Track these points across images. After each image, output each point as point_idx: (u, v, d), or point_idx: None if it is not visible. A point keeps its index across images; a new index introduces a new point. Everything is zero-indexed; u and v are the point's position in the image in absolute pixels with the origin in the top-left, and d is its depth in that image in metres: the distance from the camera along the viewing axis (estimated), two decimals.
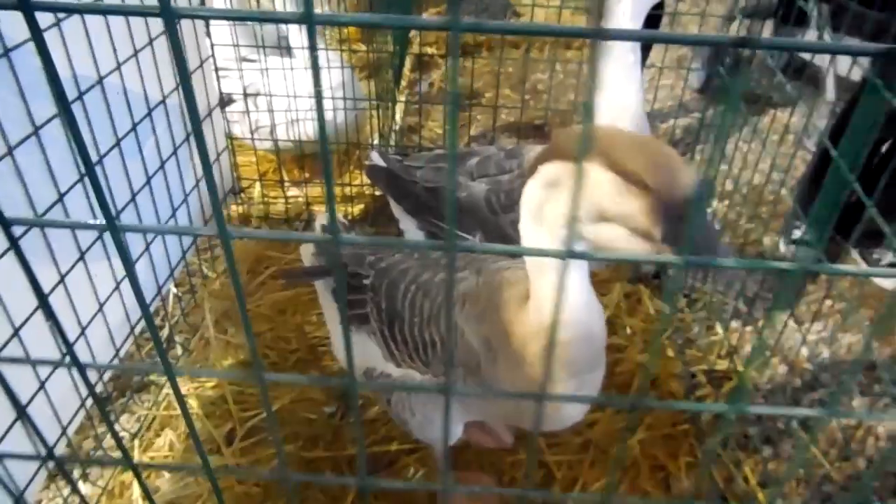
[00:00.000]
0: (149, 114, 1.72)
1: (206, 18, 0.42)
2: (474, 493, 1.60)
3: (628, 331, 2.06)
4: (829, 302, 2.26)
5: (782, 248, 2.32)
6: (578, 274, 1.11)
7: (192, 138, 1.97)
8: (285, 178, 2.64)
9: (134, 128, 1.65)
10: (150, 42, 1.67)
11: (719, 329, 2.07)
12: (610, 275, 2.27)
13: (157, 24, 1.69)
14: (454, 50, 0.36)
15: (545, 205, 1.01)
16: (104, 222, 0.46)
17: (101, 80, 1.49)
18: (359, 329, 1.44)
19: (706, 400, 1.84)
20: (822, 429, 1.83)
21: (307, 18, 0.36)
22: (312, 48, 0.37)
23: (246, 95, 2.36)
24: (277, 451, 0.60)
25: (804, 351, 2.03)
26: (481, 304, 1.28)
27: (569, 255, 0.42)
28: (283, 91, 2.29)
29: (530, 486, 1.60)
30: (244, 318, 0.51)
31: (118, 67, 1.56)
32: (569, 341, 1.11)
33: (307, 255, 1.54)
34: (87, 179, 1.45)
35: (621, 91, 1.54)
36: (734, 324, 2.10)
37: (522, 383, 1.25)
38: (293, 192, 2.63)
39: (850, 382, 1.83)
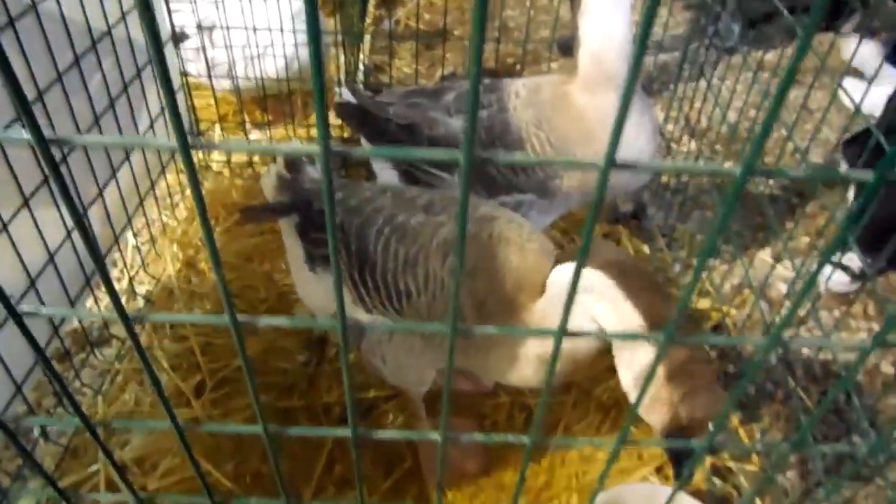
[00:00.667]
0: (94, 46, 1.57)
1: None
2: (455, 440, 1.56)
3: None
4: (805, 238, 2.24)
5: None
6: None
7: (143, 75, 1.83)
8: (247, 120, 2.50)
9: (77, 61, 1.51)
10: None
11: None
12: (587, 214, 2.22)
13: None
14: None
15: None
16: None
17: (35, 6, 1.34)
18: (325, 270, 1.36)
19: None
20: (801, 364, 1.84)
21: None
22: None
23: (201, 29, 2.20)
24: (254, 401, 0.53)
25: (782, 287, 2.02)
26: (471, 259, 1.21)
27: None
28: (241, 24, 2.14)
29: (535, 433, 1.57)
30: (211, 249, 0.43)
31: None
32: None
33: (269, 190, 1.43)
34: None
35: (607, 17, 1.44)
36: (713, 262, 2.07)
37: (516, 363, 1.20)
38: (256, 135, 2.50)
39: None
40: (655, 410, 1.01)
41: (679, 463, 1.03)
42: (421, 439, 0.91)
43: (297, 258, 1.41)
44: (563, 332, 0.43)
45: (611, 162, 0.35)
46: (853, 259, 1.97)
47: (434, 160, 0.36)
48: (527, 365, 1.20)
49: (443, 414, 0.50)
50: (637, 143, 1.52)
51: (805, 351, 1.83)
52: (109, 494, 0.72)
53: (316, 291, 1.43)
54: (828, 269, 2.00)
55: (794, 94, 2.70)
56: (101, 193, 1.67)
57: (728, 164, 2.10)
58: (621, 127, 0.33)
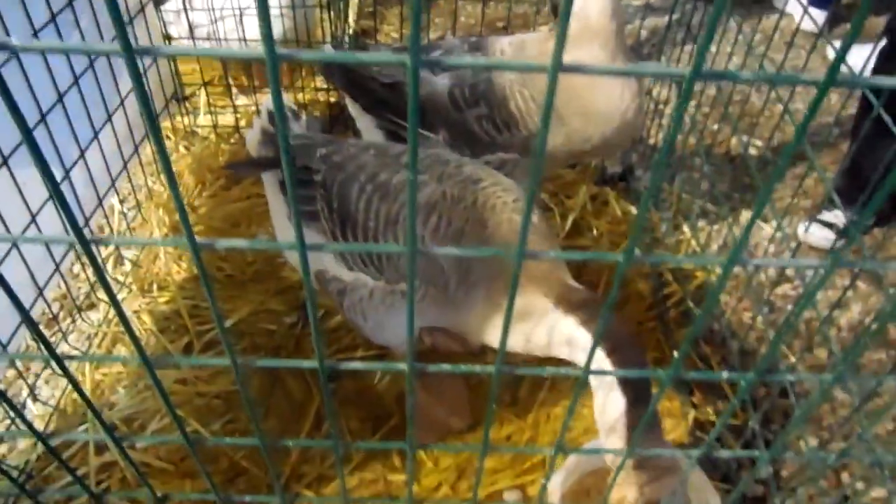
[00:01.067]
0: (54, 18, 1.53)
1: None
2: (443, 393, 1.58)
3: (595, 232, 2.02)
4: (794, 199, 2.24)
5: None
6: None
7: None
8: (232, 84, 2.47)
9: (53, 18, 1.48)
10: None
11: (686, 228, 2.04)
12: (576, 176, 2.21)
13: None
14: None
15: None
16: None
17: None
18: (307, 226, 1.35)
19: (672, 297, 1.83)
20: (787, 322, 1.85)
21: None
22: None
23: None
24: (228, 353, 0.53)
25: (770, 247, 2.03)
26: (458, 222, 1.21)
27: None
28: None
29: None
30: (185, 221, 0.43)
31: None
32: None
33: (253, 144, 1.42)
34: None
35: None
36: (701, 223, 2.08)
37: (496, 325, 1.20)
38: (242, 100, 2.47)
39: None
40: (624, 489, 1.05)
41: None
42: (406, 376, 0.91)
43: (280, 213, 1.40)
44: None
45: (557, 65, 0.35)
46: (838, 216, 1.98)
47: (381, 62, 0.35)
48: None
49: (408, 349, 0.50)
50: (623, 100, 1.51)
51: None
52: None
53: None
54: (815, 227, 2.01)
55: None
56: (82, 155, 1.65)
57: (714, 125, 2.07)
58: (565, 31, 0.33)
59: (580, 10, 1.48)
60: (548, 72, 0.35)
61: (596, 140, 1.54)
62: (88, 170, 1.70)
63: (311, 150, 1.34)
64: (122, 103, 1.84)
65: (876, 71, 1.92)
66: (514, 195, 1.26)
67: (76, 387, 0.59)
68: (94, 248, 0.48)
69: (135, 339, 0.58)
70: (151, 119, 0.39)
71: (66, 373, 0.59)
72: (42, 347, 0.55)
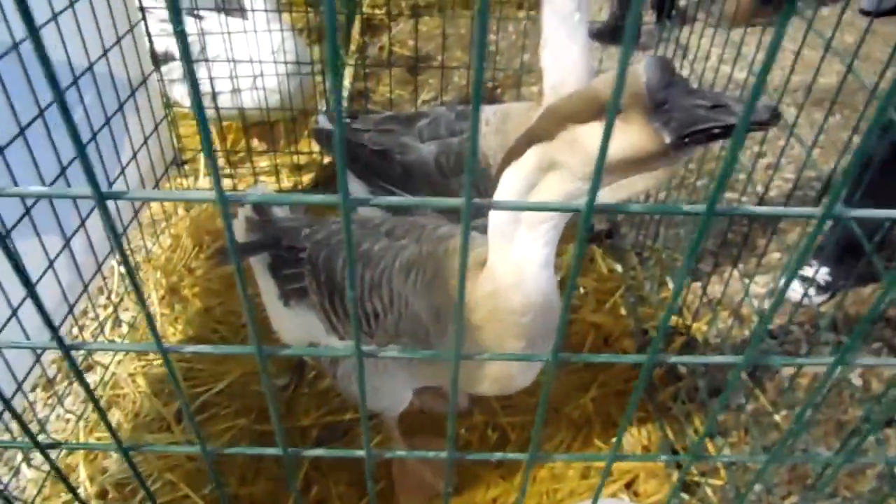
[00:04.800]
0: (75, 82, 1.63)
1: None
2: (428, 459, 1.60)
3: (581, 290, 2.06)
4: (776, 254, 2.29)
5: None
6: (545, 249, 1.08)
7: (124, 108, 1.88)
8: (238, 148, 2.56)
9: (60, 96, 1.56)
10: (72, 4, 1.58)
11: (671, 285, 2.08)
12: (564, 234, 2.26)
13: None
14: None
15: (540, 189, 0.98)
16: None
17: (16, 46, 1.40)
18: (298, 303, 1.40)
19: None
20: (770, 377, 1.87)
21: None
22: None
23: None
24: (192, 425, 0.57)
25: (754, 303, 2.06)
26: (429, 275, 1.25)
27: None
28: (222, 54, 2.20)
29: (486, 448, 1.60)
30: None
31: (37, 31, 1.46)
32: (526, 307, 1.09)
33: (240, 232, 1.50)
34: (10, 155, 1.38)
35: (564, 49, 1.50)
36: (687, 281, 2.12)
37: (481, 368, 1.23)
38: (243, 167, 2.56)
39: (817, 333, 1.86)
40: None
41: None
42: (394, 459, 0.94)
43: (271, 294, 1.46)
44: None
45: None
46: (819, 272, 2.02)
47: (312, 202, 0.40)
48: (485, 329, 1.16)
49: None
50: None
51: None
52: None
53: (291, 324, 1.48)
54: (796, 283, 2.05)
55: None
56: (83, 224, 1.72)
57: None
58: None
59: (558, 83, 1.55)
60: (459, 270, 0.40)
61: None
62: (88, 235, 1.75)
63: (296, 231, 1.40)
64: (122, 171, 1.92)
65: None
66: (479, 241, 1.27)
67: (59, 474, 0.63)
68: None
69: (108, 426, 0.62)
70: (121, 251, 0.44)
71: (48, 460, 0.63)
72: (26, 435, 0.59)
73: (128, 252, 2.08)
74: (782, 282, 2.07)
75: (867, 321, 0.58)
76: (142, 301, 0.49)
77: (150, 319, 0.53)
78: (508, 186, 1.01)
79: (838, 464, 0.73)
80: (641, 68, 0.86)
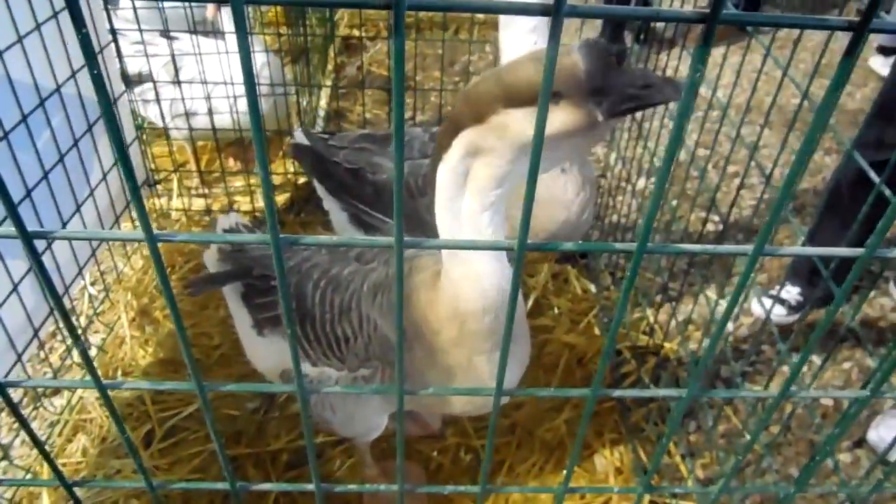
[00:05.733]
0: (41, 104, 1.62)
1: None
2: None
3: (556, 311, 2.07)
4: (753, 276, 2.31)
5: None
6: (489, 229, 1.05)
7: (94, 130, 1.87)
8: (213, 168, 2.54)
9: (24, 119, 1.55)
10: (38, 27, 1.57)
11: (645, 306, 2.09)
12: (538, 255, 2.27)
13: (44, 9, 1.59)
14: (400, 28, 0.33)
15: (472, 175, 0.97)
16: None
17: None
18: (272, 332, 1.39)
19: (630, 376, 1.87)
20: (744, 399, 1.88)
21: None
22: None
23: (155, 83, 2.25)
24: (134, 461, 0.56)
25: (728, 325, 2.08)
26: (393, 294, 1.25)
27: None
28: (196, 75, 2.20)
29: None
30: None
31: (0, 55, 1.45)
32: (483, 310, 1.08)
33: (211, 261, 1.49)
34: None
35: (523, 45, 1.50)
36: (658, 297, 2.13)
37: (440, 367, 1.23)
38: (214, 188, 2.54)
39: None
40: None
41: None
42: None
43: (244, 323, 1.45)
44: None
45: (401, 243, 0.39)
46: (790, 292, 2.04)
47: (246, 241, 0.40)
48: (447, 342, 1.14)
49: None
50: (566, 193, 1.57)
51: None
52: None
53: (265, 353, 1.46)
54: (766, 301, 2.07)
55: None
56: (49, 247, 1.69)
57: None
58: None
59: None
60: (394, 249, 0.40)
61: (542, 235, 1.60)
62: (54, 258, 1.73)
63: (266, 259, 1.39)
64: (91, 193, 1.90)
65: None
66: (435, 258, 1.26)
67: None
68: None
69: (53, 466, 0.61)
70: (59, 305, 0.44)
71: None
72: None
73: (97, 274, 2.06)
74: (735, 309, 2.07)
75: (810, 345, 0.58)
76: (75, 338, 0.48)
77: (86, 356, 0.52)
78: (444, 183, 0.99)
79: (791, 494, 0.73)
80: (578, 53, 0.86)
